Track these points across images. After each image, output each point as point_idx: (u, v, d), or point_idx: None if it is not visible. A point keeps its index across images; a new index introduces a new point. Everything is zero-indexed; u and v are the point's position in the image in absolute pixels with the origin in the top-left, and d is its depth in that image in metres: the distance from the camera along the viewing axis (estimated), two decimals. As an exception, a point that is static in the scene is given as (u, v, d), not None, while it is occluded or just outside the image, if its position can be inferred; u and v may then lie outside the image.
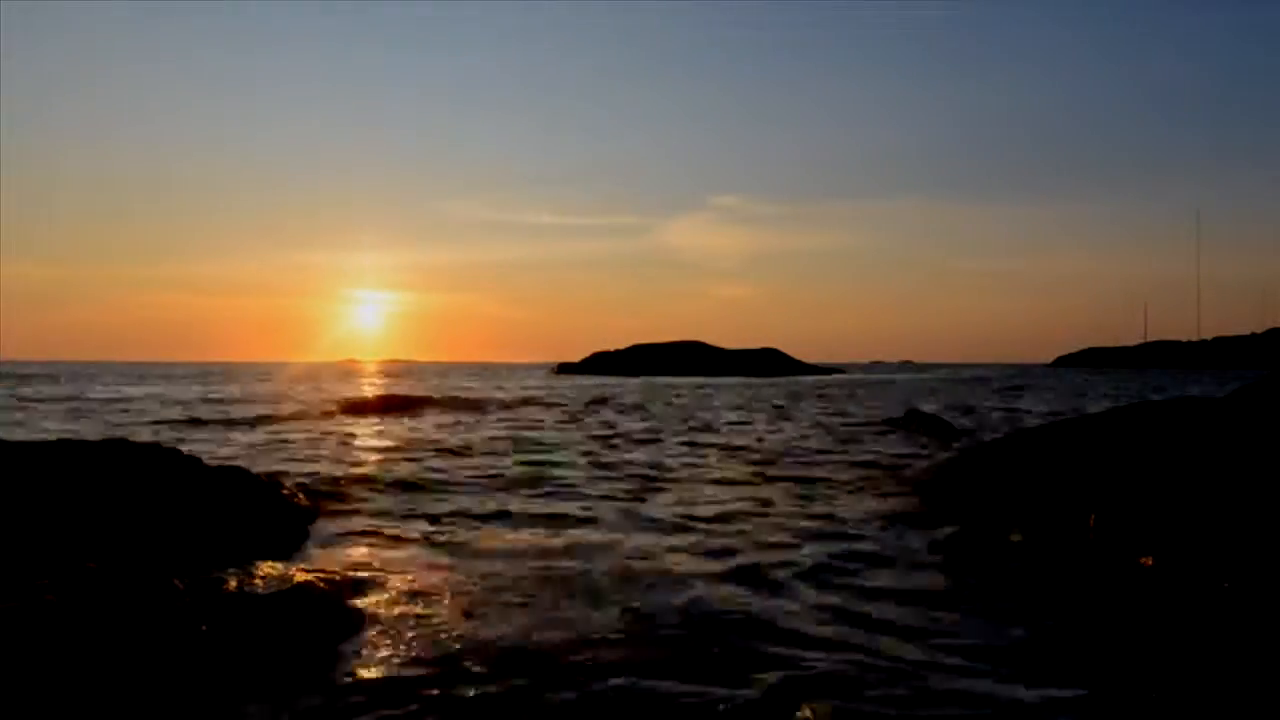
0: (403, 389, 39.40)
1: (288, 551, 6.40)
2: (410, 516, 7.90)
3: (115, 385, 42.96)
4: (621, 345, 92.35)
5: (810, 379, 68.72)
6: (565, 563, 6.08)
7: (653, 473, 11.00)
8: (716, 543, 6.71)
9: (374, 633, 4.61)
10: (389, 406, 26.14)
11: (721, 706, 3.50)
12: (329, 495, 8.82)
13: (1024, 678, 3.86)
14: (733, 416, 22.77)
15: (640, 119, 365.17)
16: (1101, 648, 4.40)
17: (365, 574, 5.73)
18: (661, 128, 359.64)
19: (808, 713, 3.36)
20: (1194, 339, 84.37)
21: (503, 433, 17.29)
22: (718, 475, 10.83)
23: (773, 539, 6.86)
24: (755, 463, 12.13)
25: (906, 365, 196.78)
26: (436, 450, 13.58)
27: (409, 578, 5.70)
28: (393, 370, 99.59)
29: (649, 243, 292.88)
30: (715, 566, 5.92)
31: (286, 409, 24.41)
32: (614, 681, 3.87)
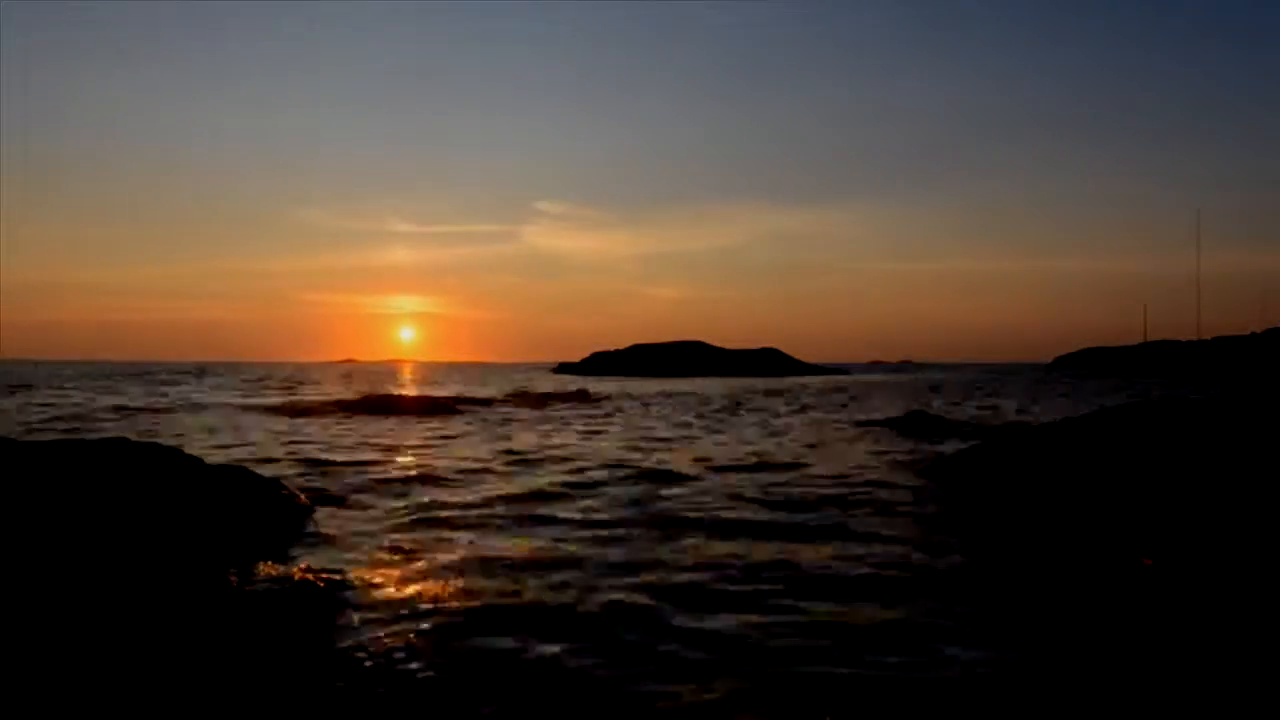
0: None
1: (288, 549, 6.39)
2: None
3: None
4: (592, 346, 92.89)
5: (817, 379, 68.48)
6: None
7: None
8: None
9: (372, 632, 4.59)
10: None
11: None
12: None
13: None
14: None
15: (460, 130, 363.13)
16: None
17: (366, 573, 5.72)
18: (476, 138, 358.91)
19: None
20: (1194, 339, 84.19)
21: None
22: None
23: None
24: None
25: (906, 365, 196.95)
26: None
27: (410, 576, 5.69)
28: (435, 373, 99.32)
29: (524, 246, 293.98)
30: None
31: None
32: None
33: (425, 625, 4.69)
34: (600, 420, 21.53)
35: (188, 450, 7.83)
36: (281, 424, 19.35)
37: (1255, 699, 3.75)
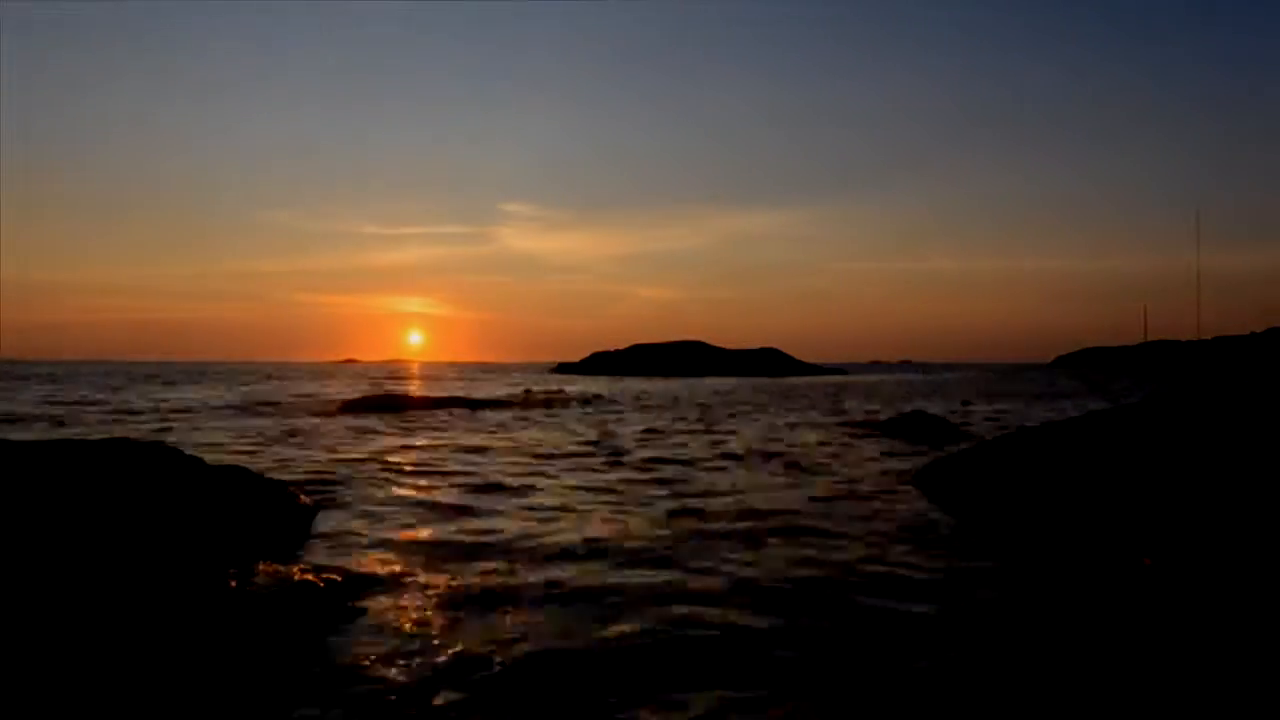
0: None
1: (289, 550, 6.40)
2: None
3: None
4: (583, 346, 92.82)
5: (818, 379, 68.39)
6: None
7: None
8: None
9: (371, 632, 4.61)
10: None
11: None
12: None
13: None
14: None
15: (420, 135, 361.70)
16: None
17: (367, 574, 5.74)
18: (441, 142, 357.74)
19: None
20: (1194, 339, 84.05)
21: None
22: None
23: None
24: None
25: (905, 365, 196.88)
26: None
27: (409, 576, 5.71)
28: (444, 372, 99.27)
29: (502, 247, 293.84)
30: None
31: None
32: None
33: (425, 625, 4.71)
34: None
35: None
36: (286, 423, 19.35)
37: (1256, 694, 3.78)
